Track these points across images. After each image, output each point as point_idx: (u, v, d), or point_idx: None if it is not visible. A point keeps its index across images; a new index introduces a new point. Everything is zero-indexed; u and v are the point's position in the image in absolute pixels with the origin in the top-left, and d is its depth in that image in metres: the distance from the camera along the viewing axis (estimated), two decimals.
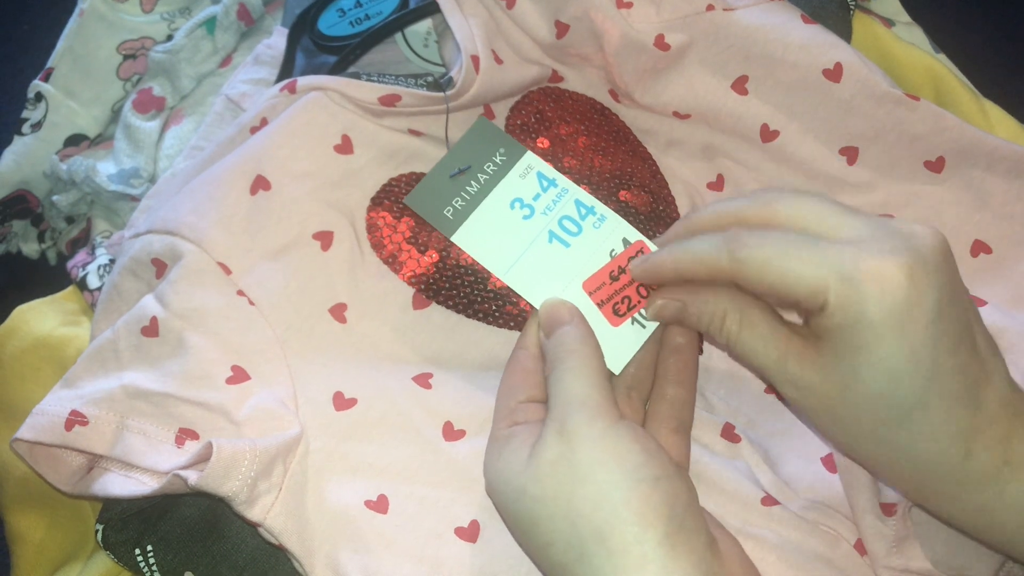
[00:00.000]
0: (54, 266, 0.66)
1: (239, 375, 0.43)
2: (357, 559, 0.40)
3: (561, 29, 0.52)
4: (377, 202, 0.49)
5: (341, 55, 0.53)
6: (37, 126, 0.61)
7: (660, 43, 0.52)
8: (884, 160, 0.51)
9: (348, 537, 0.41)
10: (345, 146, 0.49)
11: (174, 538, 0.44)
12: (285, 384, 0.44)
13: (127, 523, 0.44)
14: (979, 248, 0.50)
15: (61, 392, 0.43)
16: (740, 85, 0.52)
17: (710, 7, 0.51)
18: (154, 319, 0.44)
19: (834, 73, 0.50)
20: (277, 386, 0.44)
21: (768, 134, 0.52)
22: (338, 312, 0.46)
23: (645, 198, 0.51)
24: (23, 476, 0.48)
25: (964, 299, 0.35)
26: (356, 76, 0.50)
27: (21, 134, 0.61)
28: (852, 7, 0.58)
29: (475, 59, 0.49)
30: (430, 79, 0.51)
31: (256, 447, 0.40)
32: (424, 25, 0.57)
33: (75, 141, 0.61)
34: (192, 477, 0.39)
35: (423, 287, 0.48)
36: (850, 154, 0.51)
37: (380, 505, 0.42)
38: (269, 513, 0.40)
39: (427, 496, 0.42)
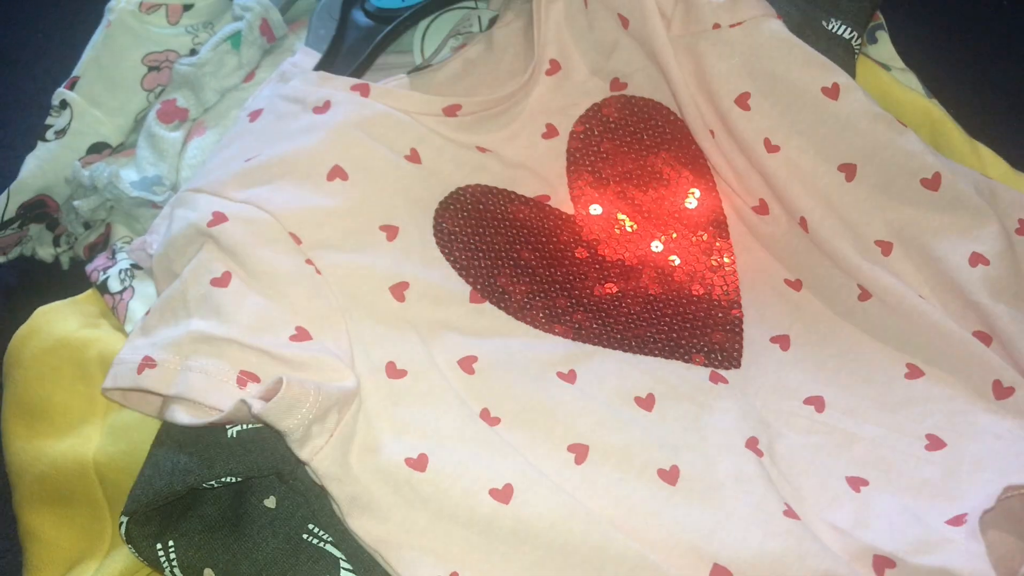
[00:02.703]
0: (67, 270, 0.67)
1: (302, 335, 0.45)
2: (394, 512, 0.42)
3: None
4: (444, 207, 0.52)
5: (393, 24, 0.59)
6: (61, 133, 0.62)
7: None
8: (882, 177, 0.53)
9: (386, 491, 0.43)
10: (414, 157, 0.52)
11: (195, 535, 0.45)
12: (344, 349, 0.46)
13: (150, 518, 0.44)
14: (976, 260, 0.50)
15: (137, 341, 0.46)
16: (743, 100, 0.54)
17: (716, 25, 0.54)
18: (226, 273, 0.46)
19: (832, 92, 0.53)
20: (337, 350, 0.46)
21: (770, 148, 0.54)
22: (398, 291, 0.49)
23: None
24: (39, 475, 0.49)
25: None
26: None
27: (45, 140, 0.62)
28: (856, 52, 0.60)
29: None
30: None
31: (320, 391, 0.41)
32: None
33: (97, 149, 0.62)
34: (256, 405, 0.40)
35: (480, 287, 0.51)
36: (848, 171, 0.53)
37: (419, 463, 0.43)
38: (317, 455, 0.42)
39: (465, 459, 0.44)
